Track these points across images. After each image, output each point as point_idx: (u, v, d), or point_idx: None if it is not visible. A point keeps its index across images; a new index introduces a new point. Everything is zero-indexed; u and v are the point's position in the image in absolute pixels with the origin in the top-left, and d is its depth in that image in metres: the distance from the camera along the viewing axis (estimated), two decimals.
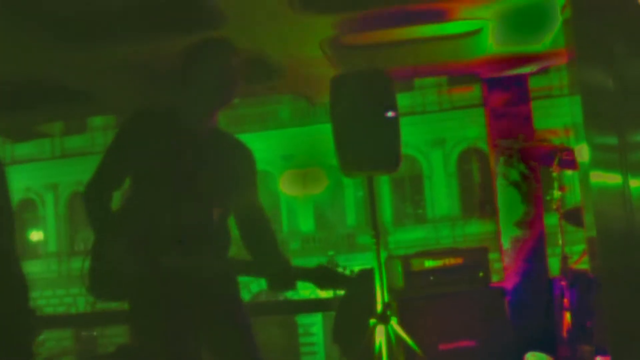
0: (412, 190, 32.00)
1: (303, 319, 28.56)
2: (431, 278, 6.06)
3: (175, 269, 3.98)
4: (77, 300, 32.55)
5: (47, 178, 34.03)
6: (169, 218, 4.00)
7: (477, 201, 30.59)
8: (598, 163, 3.86)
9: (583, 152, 3.95)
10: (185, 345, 4.10)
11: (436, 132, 30.90)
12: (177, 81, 4.24)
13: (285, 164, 29.57)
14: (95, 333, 31.57)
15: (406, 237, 29.39)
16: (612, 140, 3.81)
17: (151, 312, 4.06)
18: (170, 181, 4.06)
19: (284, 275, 4.19)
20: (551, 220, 6.69)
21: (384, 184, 30.61)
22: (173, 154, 4.09)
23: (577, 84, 4.01)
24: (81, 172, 33.14)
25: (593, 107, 3.89)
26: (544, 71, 7.96)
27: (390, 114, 4.82)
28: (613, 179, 3.81)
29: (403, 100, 28.51)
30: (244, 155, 4.34)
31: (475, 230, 28.88)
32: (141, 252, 3.94)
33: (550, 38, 6.08)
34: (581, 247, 5.26)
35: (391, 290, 5.47)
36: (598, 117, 3.88)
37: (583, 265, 6.26)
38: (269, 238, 4.38)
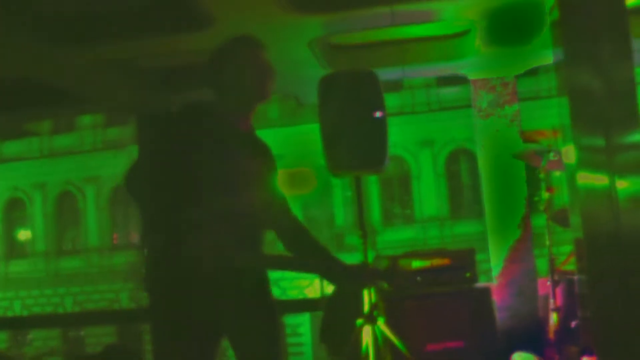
0: (400, 191, 31.99)
1: (291, 319, 28.55)
2: (418, 279, 6.07)
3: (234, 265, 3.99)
4: (65, 300, 32.49)
5: (36, 177, 33.89)
6: (229, 215, 3.98)
7: (465, 202, 30.62)
8: (585, 164, 3.88)
9: (570, 154, 3.97)
10: (216, 343, 4.11)
11: (425, 133, 30.90)
12: (210, 81, 4.22)
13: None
14: (82, 333, 31.51)
15: (394, 237, 29.38)
16: (599, 141, 3.83)
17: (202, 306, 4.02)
18: (227, 176, 4.03)
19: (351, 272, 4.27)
20: (539, 221, 6.71)
21: (372, 184, 30.60)
22: (227, 150, 4.07)
23: (565, 86, 4.03)
24: (69, 171, 33.13)
25: (580, 109, 3.91)
26: (532, 72, 7.98)
27: (378, 114, 4.83)
28: (600, 180, 3.83)
29: (391, 100, 28.54)
30: (271, 153, 4.37)
31: (463, 230, 28.90)
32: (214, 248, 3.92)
33: (538, 39, 6.10)
34: (569, 247, 5.27)
35: (379, 290, 5.48)
36: (585, 118, 3.89)
37: (570, 266, 6.28)
38: (312, 236, 4.41)
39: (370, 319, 4.89)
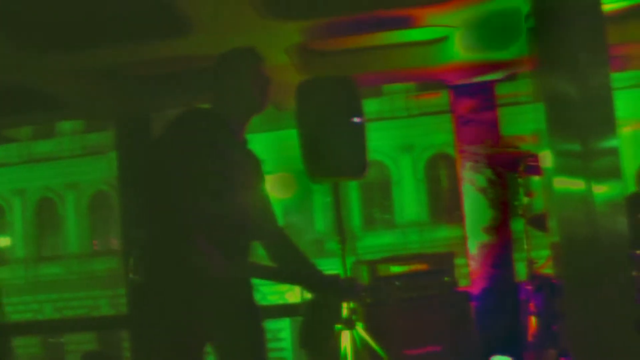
0: (380, 196, 32.02)
1: (271, 325, 28.54)
2: (397, 283, 6.08)
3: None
4: (44, 307, 32.35)
5: (15, 183, 33.73)
6: (225, 222, 4.00)
7: (445, 207, 30.68)
8: (561, 169, 3.90)
9: (547, 159, 4.00)
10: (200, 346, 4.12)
11: (404, 138, 30.96)
12: (210, 88, 4.25)
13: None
14: (62, 340, 31.38)
15: (375, 243, 29.38)
16: (576, 146, 3.86)
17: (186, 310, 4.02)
18: (225, 183, 4.05)
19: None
20: (519, 225, 6.73)
21: (352, 189, 30.62)
22: (226, 157, 4.09)
23: (541, 91, 4.06)
24: (49, 177, 32.99)
25: (556, 114, 3.94)
26: (512, 78, 8.01)
27: (356, 120, 4.83)
28: (576, 185, 3.85)
29: (371, 106, 28.56)
30: (260, 162, 4.40)
31: (443, 235, 28.91)
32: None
33: (516, 45, 6.13)
34: (547, 252, 5.30)
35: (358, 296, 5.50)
36: (561, 124, 3.92)
37: (549, 270, 6.31)
38: (297, 247, 4.47)
39: (349, 324, 4.90)
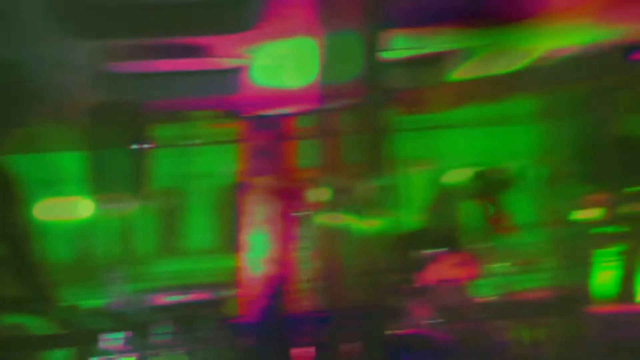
0: (172, 222, 31.76)
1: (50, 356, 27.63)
2: (173, 313, 6.04)
3: None
4: None
5: None
6: None
7: (233, 236, 30.67)
8: (331, 204, 4.02)
9: (317, 194, 4.13)
10: None
11: (198, 165, 30.85)
12: None
13: (44, 190, 28.60)
14: None
15: (164, 269, 29.04)
16: (344, 183, 3.97)
17: None
18: None
19: None
20: (297, 257, 6.85)
21: (144, 215, 30.26)
22: None
23: (319, 130, 4.18)
24: None
25: (331, 151, 4.06)
26: (304, 112, 8.17)
27: (138, 145, 4.82)
28: (340, 219, 3.96)
29: (166, 131, 28.25)
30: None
31: (230, 264, 28.91)
32: None
33: (307, 82, 6.27)
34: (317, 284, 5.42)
35: (134, 325, 5.42)
36: (335, 160, 4.04)
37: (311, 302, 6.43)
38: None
39: (111, 354, 4.82)
